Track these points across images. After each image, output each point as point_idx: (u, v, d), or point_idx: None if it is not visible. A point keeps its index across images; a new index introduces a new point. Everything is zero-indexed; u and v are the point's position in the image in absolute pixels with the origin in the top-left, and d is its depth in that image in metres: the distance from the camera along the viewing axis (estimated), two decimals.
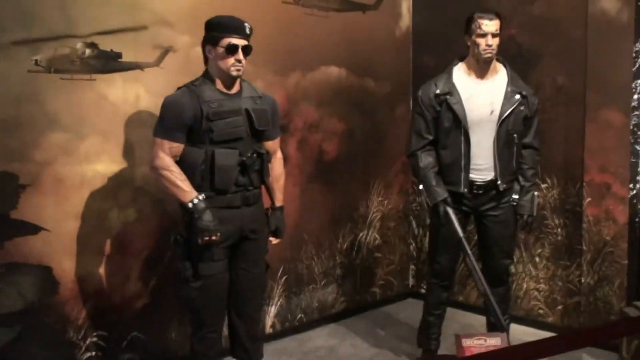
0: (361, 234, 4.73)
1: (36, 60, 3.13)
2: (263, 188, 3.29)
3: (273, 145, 3.29)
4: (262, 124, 3.10)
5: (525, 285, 4.40)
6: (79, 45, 3.27)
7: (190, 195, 2.94)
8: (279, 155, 3.36)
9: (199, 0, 3.63)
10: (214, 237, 2.95)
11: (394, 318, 4.66)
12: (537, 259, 4.34)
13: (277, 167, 3.33)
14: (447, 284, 3.71)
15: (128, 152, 3.48)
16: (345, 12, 4.45)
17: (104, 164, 3.41)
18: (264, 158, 3.14)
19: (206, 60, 3.08)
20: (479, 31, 3.37)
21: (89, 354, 3.41)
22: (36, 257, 3.21)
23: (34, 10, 3.12)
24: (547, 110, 4.13)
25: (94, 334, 3.43)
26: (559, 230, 4.23)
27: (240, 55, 2.98)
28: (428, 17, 4.85)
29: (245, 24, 3.02)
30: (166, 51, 3.57)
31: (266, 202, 3.35)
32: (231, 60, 2.98)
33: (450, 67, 3.55)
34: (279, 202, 3.35)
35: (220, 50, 2.98)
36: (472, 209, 3.55)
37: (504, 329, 3.29)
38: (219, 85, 3.04)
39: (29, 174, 3.16)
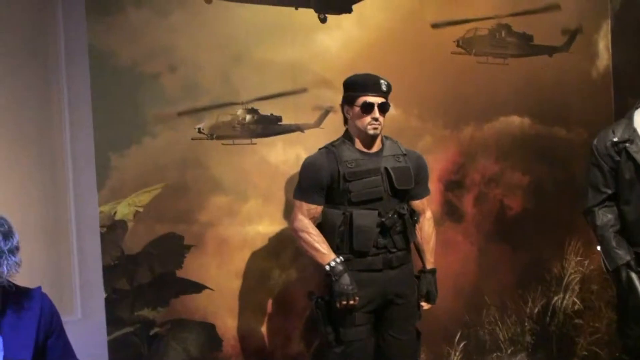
0: (556, 298, 4.27)
1: (199, 129, 3.33)
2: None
3: (420, 204, 3.12)
4: (403, 183, 2.96)
5: None
6: (239, 111, 3.42)
7: (328, 257, 2.89)
8: (428, 214, 3.18)
9: (358, 58, 3.61)
10: (352, 302, 2.85)
11: None
12: None
13: (426, 228, 3.15)
14: None
15: (288, 212, 3.52)
16: (527, 57, 4.14)
17: (265, 224, 3.50)
18: (406, 219, 2.98)
19: (346, 120, 3.04)
20: None
21: None
22: (200, 314, 3.36)
23: (199, 81, 3.33)
24: None
25: None
26: None
27: (376, 113, 2.90)
28: (632, 54, 4.32)
29: (382, 81, 2.94)
30: (326, 112, 3.59)
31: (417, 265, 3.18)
32: (367, 119, 2.91)
33: (631, 110, 3.11)
34: (429, 265, 3.15)
35: (357, 109, 2.93)
36: None
37: None
38: (359, 144, 2.98)
39: (194, 234, 3.35)
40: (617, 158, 3.05)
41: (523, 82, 4.11)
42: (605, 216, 3.08)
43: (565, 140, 4.28)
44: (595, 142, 3.16)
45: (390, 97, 3.03)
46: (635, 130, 3.03)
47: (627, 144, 3.02)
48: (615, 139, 3.06)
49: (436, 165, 3.80)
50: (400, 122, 3.67)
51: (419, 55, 3.78)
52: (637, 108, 3.10)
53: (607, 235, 3.05)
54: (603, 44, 4.40)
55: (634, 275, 2.97)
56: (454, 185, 3.94)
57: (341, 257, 2.90)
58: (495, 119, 4.06)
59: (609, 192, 3.09)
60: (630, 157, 3.00)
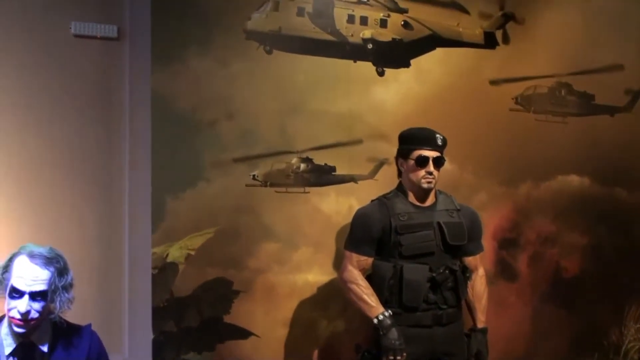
0: None
1: (254, 175, 3.37)
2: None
3: (473, 261, 3.07)
4: (456, 239, 2.92)
5: None
6: (294, 160, 3.45)
7: (376, 310, 2.84)
8: (480, 272, 3.11)
9: (415, 112, 3.61)
10: (399, 357, 2.79)
11: None
12: None
13: (478, 285, 3.09)
14: None
15: (338, 263, 3.48)
16: (587, 116, 4.07)
17: (314, 274, 3.48)
18: (458, 275, 2.93)
19: (400, 173, 3.03)
20: None
21: None
22: None
23: (255, 129, 3.38)
24: None
25: None
26: None
27: (431, 167, 2.89)
28: None
29: (437, 135, 2.93)
30: (381, 164, 3.59)
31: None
32: (422, 172, 2.89)
33: None
34: (481, 324, 3.06)
35: (411, 162, 2.92)
36: None
37: None
38: (412, 198, 2.96)
39: (243, 280, 3.35)
40: None
41: (583, 142, 4.04)
42: None
43: (626, 203, 4.16)
44: None
45: (445, 151, 3.02)
46: None
47: None
48: None
49: (490, 222, 3.74)
50: (455, 177, 3.64)
51: (476, 111, 3.77)
52: None
53: None
54: None
55: None
56: (508, 243, 3.87)
57: (390, 311, 2.85)
58: (553, 178, 3.99)
59: None
60: None
